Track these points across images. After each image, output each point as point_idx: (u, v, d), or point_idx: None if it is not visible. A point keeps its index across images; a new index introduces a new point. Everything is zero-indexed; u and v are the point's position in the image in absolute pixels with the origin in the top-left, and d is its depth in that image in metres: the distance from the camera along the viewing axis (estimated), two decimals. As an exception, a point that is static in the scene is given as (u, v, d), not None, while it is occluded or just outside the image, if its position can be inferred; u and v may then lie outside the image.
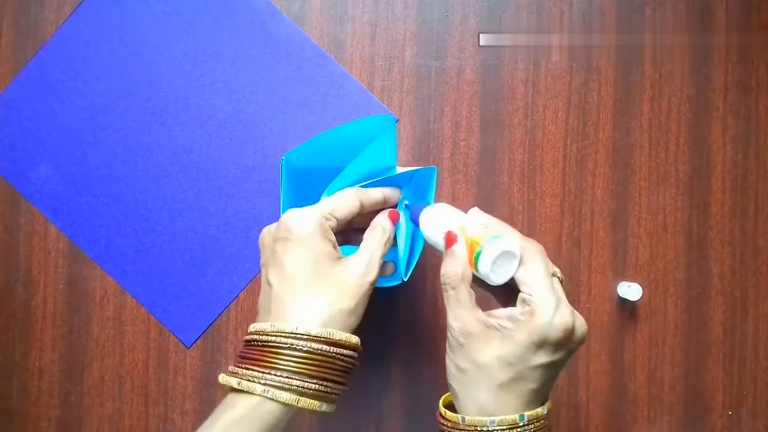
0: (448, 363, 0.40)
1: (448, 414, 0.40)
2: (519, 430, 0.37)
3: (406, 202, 0.46)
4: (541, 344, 0.37)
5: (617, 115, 0.56)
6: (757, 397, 0.55)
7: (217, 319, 0.55)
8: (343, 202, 0.42)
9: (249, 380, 0.37)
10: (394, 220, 0.44)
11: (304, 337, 0.37)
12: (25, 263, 0.55)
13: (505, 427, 0.37)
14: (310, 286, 0.39)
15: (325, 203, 0.42)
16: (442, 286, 0.41)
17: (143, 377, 0.55)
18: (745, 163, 0.56)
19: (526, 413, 0.38)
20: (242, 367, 0.37)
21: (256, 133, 0.56)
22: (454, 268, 0.40)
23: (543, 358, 0.37)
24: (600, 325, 0.55)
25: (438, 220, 0.43)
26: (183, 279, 0.55)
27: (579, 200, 0.55)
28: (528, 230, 0.55)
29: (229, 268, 0.55)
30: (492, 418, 0.37)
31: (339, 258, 0.41)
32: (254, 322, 0.40)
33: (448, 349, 0.40)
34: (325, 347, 0.37)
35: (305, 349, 0.37)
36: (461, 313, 0.39)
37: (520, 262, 0.39)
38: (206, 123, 0.56)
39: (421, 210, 0.44)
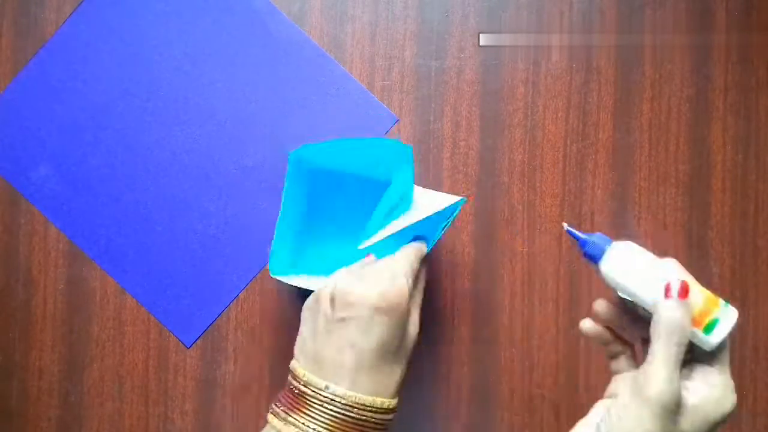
0: (631, 425, 0.34)
1: None
2: None
3: (581, 235, 0.41)
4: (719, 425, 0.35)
5: (617, 115, 0.56)
6: (757, 397, 0.55)
7: (217, 319, 0.55)
8: (412, 262, 0.43)
9: (293, 427, 0.39)
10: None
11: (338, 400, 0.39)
12: (25, 263, 0.55)
13: None
14: (392, 359, 0.41)
15: (402, 263, 0.43)
16: (667, 337, 0.35)
17: (143, 377, 0.55)
18: (745, 163, 0.56)
19: None
20: (283, 410, 0.40)
21: (255, 133, 0.56)
22: (684, 321, 0.34)
23: None
24: (600, 325, 0.55)
25: (641, 267, 0.37)
26: (183, 279, 0.55)
27: (579, 200, 0.55)
28: (528, 230, 0.55)
29: (229, 267, 0.55)
30: None
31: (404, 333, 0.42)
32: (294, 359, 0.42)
33: (638, 406, 0.34)
34: (357, 412, 0.39)
35: (337, 406, 0.39)
36: (673, 375, 0.34)
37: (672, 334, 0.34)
38: (206, 123, 0.56)
39: (603, 248, 0.39)
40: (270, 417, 0.40)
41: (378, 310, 0.39)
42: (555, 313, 0.55)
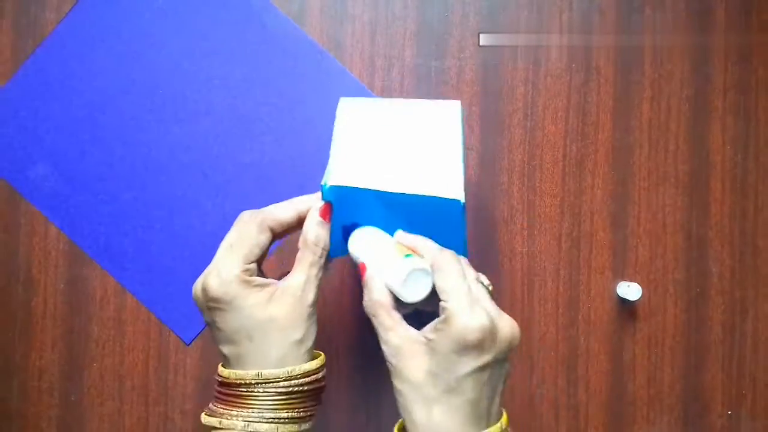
0: (393, 389, 0.40)
1: None
2: None
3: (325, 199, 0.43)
4: (461, 349, 0.36)
5: (617, 115, 0.56)
6: (756, 397, 0.55)
7: (217, 319, 0.55)
8: (253, 240, 0.42)
9: (228, 418, 0.39)
10: (327, 218, 0.43)
11: (265, 382, 0.39)
12: (25, 263, 0.56)
13: None
14: (254, 339, 0.40)
15: (237, 252, 0.41)
16: (369, 317, 0.41)
17: (143, 377, 0.55)
18: (744, 163, 0.56)
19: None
20: (221, 407, 0.40)
21: (253, 130, 0.56)
22: (369, 296, 0.41)
23: (469, 364, 0.36)
24: (599, 325, 0.55)
25: (362, 242, 0.43)
26: (181, 276, 0.55)
27: (578, 200, 0.55)
28: (528, 230, 0.55)
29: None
30: None
31: (272, 296, 0.41)
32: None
33: (390, 376, 0.40)
34: (287, 383, 0.39)
35: (271, 390, 0.39)
36: (387, 336, 0.40)
37: (436, 271, 0.40)
38: (203, 120, 0.56)
39: (351, 232, 0.44)
40: (209, 419, 0.40)
41: (209, 309, 0.41)
42: (555, 313, 0.55)
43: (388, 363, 0.40)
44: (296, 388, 0.40)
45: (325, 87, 0.56)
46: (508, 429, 0.39)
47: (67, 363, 0.55)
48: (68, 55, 0.56)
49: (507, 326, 0.38)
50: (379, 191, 0.43)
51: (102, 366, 0.55)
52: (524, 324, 0.55)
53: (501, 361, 0.38)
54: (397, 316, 0.40)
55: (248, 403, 0.39)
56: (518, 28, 0.56)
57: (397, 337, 0.39)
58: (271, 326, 0.40)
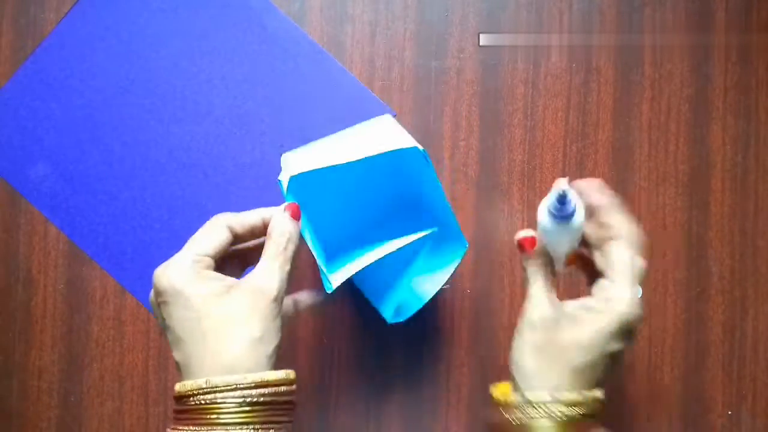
0: (519, 343, 0.41)
1: (507, 394, 0.41)
2: (578, 408, 0.38)
3: None
4: (620, 332, 0.38)
5: (617, 115, 0.56)
6: (756, 397, 0.55)
7: (216, 319, 0.55)
8: (211, 237, 0.40)
9: None
10: (295, 215, 0.41)
11: (215, 391, 0.35)
12: (25, 263, 0.55)
13: (567, 405, 0.38)
14: (206, 334, 0.36)
15: (192, 244, 0.39)
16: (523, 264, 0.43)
17: (143, 377, 0.55)
18: (744, 163, 0.56)
19: (587, 393, 0.38)
20: (176, 429, 0.36)
21: (253, 130, 0.56)
22: (536, 251, 0.42)
23: (617, 345, 0.38)
24: (600, 325, 0.55)
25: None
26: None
27: (579, 200, 0.55)
28: (528, 230, 0.55)
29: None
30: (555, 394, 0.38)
31: (230, 288, 0.38)
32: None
33: (520, 329, 0.41)
34: (242, 393, 0.35)
35: (224, 402, 0.34)
36: (541, 295, 0.41)
37: (613, 249, 0.40)
38: (203, 120, 0.56)
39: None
40: None
41: (159, 305, 0.38)
42: (555, 313, 0.55)
43: (527, 320, 0.41)
44: (254, 399, 0.35)
45: (325, 87, 0.55)
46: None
47: (67, 363, 0.55)
48: (68, 55, 0.56)
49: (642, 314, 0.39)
50: (337, 166, 0.42)
51: (102, 366, 0.55)
52: (524, 324, 0.55)
53: (625, 350, 0.40)
54: (550, 279, 0.43)
55: (200, 420, 0.35)
56: (518, 28, 0.56)
57: (546, 300, 0.41)
58: (226, 322, 0.36)
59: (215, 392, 0.35)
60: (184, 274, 0.37)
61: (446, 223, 0.47)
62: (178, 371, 0.38)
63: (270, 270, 0.38)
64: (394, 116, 0.55)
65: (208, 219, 0.55)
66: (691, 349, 0.55)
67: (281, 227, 0.40)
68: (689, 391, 0.55)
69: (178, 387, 0.36)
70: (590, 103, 0.56)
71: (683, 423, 0.55)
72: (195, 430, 0.35)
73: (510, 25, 0.56)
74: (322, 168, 0.43)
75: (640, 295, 0.39)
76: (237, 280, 0.39)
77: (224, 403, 0.35)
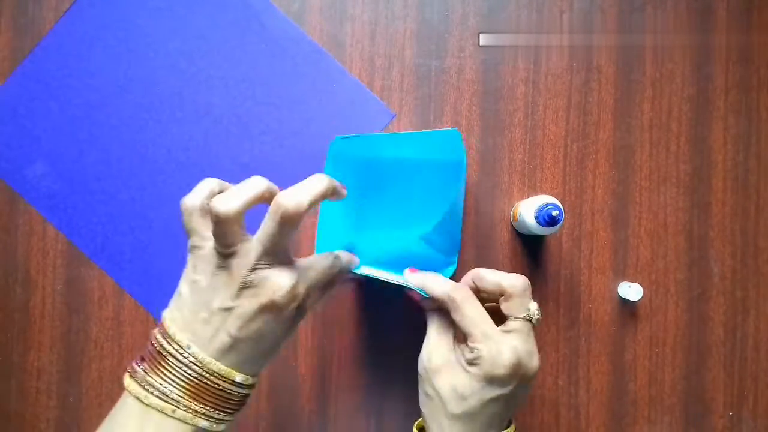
0: (419, 388, 0.44)
1: None
2: None
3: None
4: (489, 382, 0.40)
5: (618, 114, 0.56)
6: (758, 398, 0.55)
7: (216, 320, 0.55)
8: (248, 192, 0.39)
9: (139, 382, 0.36)
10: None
11: (174, 342, 0.37)
12: (24, 263, 0.55)
13: None
14: (206, 278, 0.38)
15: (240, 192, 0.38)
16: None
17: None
18: (746, 163, 0.56)
19: None
20: (140, 365, 0.37)
21: (252, 129, 0.55)
22: (431, 302, 0.44)
23: (493, 392, 0.41)
24: (600, 326, 0.55)
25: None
26: (179, 276, 0.55)
27: (579, 200, 0.55)
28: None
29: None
30: None
31: (240, 248, 0.38)
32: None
33: (419, 376, 0.44)
34: (203, 371, 0.36)
35: (180, 365, 0.36)
36: (431, 349, 0.43)
37: (455, 310, 0.43)
38: (202, 119, 0.55)
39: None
40: (127, 379, 0.37)
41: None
42: (555, 313, 0.55)
43: (421, 367, 0.43)
44: (192, 375, 0.36)
45: (324, 87, 0.55)
46: None
47: (66, 363, 0.55)
48: (66, 55, 0.56)
49: (532, 367, 0.41)
50: (383, 135, 0.48)
51: (100, 366, 0.55)
52: (525, 324, 0.55)
53: (521, 390, 0.42)
54: (448, 331, 0.44)
55: (161, 370, 0.37)
56: (518, 28, 0.56)
57: (438, 352, 0.43)
58: (278, 345, 0.39)
59: (174, 346, 0.37)
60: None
61: (451, 238, 0.51)
62: (182, 297, 0.39)
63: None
64: (394, 117, 0.55)
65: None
66: (692, 350, 0.55)
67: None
68: (690, 392, 0.55)
69: (156, 331, 0.38)
70: (591, 103, 0.55)
71: (684, 423, 0.55)
72: (152, 376, 0.36)
73: (510, 25, 0.56)
74: (366, 137, 0.48)
75: (515, 346, 0.41)
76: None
77: (172, 360, 0.37)
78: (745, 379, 0.55)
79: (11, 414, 0.55)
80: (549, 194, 0.55)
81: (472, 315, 0.42)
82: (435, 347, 0.43)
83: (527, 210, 0.49)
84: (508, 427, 0.43)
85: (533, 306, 0.43)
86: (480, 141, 0.55)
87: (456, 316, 0.42)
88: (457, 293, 0.43)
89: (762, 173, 0.56)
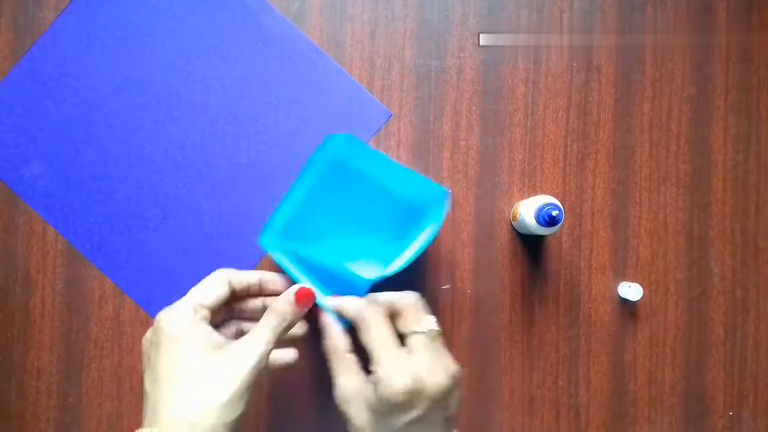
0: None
1: None
2: None
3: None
4: (390, 409, 0.39)
5: (618, 114, 0.56)
6: (758, 398, 0.55)
7: (216, 320, 0.55)
8: (211, 288, 0.43)
9: None
10: (302, 303, 0.43)
11: None
12: (24, 263, 0.55)
13: None
14: (180, 384, 0.38)
15: (193, 293, 0.42)
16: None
17: (142, 378, 0.55)
18: (746, 163, 0.56)
19: None
20: None
21: (248, 129, 0.55)
22: (327, 342, 0.44)
23: (400, 419, 0.39)
24: (600, 326, 0.55)
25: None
26: (177, 276, 0.55)
27: (579, 200, 0.55)
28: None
29: (223, 265, 0.54)
30: None
31: (217, 348, 0.40)
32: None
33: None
34: None
35: None
36: (338, 380, 0.43)
37: (362, 329, 0.42)
38: (199, 119, 0.55)
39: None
40: None
41: (151, 344, 0.41)
42: (555, 313, 0.55)
43: (337, 404, 0.43)
44: None
45: (322, 86, 0.55)
46: None
47: (66, 363, 0.55)
48: (63, 54, 0.56)
49: (436, 382, 0.40)
50: (381, 155, 0.49)
51: (100, 366, 0.55)
52: (524, 324, 0.55)
53: (434, 409, 0.40)
54: (350, 361, 0.43)
55: None
56: (518, 28, 0.56)
57: (345, 383, 0.42)
58: (203, 377, 0.38)
59: None
60: (184, 321, 0.40)
61: (418, 188, 0.50)
62: (144, 414, 0.39)
63: (256, 344, 0.41)
64: (391, 116, 0.55)
65: (202, 219, 0.55)
66: (692, 350, 0.55)
67: (283, 310, 0.43)
68: (690, 392, 0.55)
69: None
70: (591, 103, 0.55)
71: (684, 423, 0.55)
72: None
73: (510, 25, 0.56)
74: (366, 148, 0.49)
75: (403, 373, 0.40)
76: (226, 341, 0.41)
77: None
78: (745, 379, 0.55)
79: (11, 414, 0.55)
80: (549, 194, 0.55)
81: (376, 336, 0.41)
82: (345, 381, 0.43)
83: (527, 210, 0.49)
84: None
85: (429, 319, 0.43)
86: (480, 141, 0.55)
87: (363, 337, 0.42)
88: (369, 312, 0.43)
89: (762, 173, 0.56)
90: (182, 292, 0.55)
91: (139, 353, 0.55)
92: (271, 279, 0.47)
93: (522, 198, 0.55)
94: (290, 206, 0.49)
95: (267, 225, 0.48)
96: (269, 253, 0.48)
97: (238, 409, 0.38)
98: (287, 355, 0.48)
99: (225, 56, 0.55)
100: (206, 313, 0.41)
